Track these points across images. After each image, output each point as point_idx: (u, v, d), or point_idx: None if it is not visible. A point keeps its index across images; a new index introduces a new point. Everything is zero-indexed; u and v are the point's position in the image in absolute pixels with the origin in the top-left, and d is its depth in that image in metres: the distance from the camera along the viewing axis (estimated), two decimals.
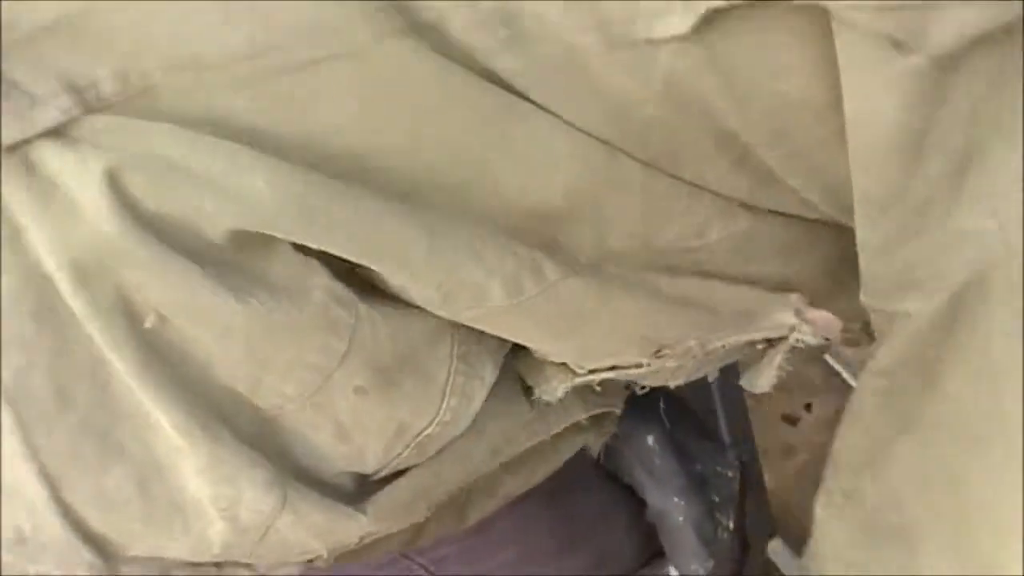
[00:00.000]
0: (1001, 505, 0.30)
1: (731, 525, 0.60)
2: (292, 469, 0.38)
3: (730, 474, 0.60)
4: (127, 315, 0.32)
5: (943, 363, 0.32)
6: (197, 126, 0.31)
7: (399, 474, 0.43)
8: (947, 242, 0.31)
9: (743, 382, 0.48)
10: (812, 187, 0.36)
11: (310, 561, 0.43)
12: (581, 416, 0.51)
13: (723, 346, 0.44)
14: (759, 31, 0.31)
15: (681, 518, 0.58)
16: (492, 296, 0.36)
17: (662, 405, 0.58)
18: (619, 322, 0.40)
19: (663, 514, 0.58)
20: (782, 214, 0.39)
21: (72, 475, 0.34)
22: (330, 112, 0.32)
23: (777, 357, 0.45)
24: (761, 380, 0.46)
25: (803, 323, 0.43)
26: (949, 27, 0.27)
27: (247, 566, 0.42)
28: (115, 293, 0.32)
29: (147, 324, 0.32)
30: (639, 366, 0.43)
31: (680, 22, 0.30)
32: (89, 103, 0.30)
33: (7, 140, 0.29)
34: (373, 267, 0.34)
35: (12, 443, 0.33)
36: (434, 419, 0.41)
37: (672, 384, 0.47)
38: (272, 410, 0.36)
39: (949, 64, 0.28)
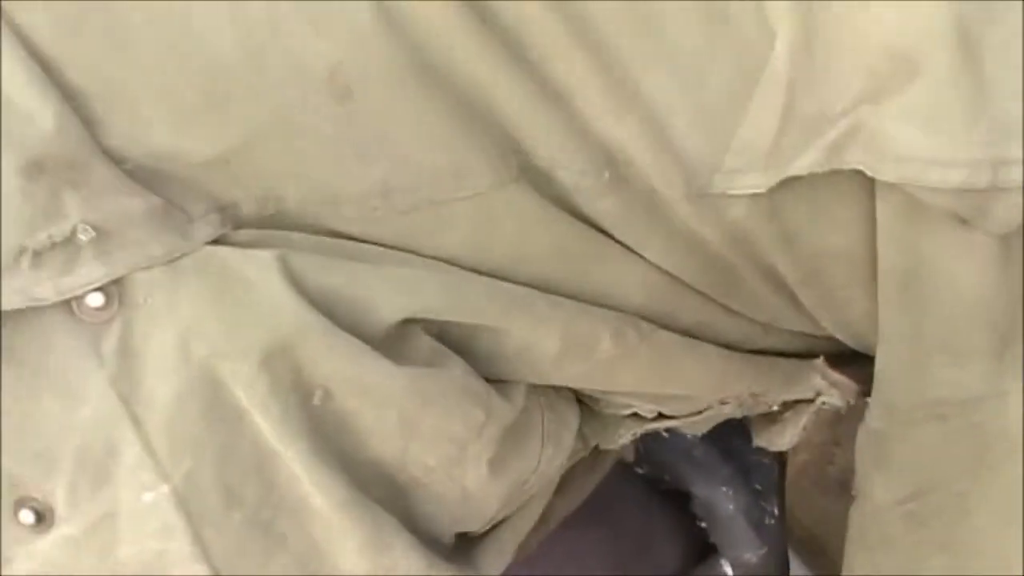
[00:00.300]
0: None
1: (775, 512, 0.61)
2: (419, 533, 0.39)
3: (767, 461, 0.62)
4: (300, 395, 0.33)
5: (972, 497, 0.38)
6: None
7: (495, 526, 0.44)
8: (980, 392, 0.37)
9: (760, 442, 0.53)
10: (831, 319, 0.41)
11: None
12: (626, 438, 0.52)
13: (768, 402, 0.47)
14: (816, 189, 0.35)
15: (731, 506, 0.59)
16: (602, 346, 0.39)
17: None
18: (701, 371, 0.43)
19: (711, 505, 0.59)
20: (802, 333, 0.44)
21: (240, 572, 0.34)
22: (445, 243, 0.36)
23: (803, 419, 0.48)
24: (784, 439, 0.50)
25: (830, 386, 0.46)
26: (1010, 210, 0.32)
27: None
28: (292, 373, 0.33)
29: (316, 401, 0.34)
30: (699, 412, 0.47)
31: (761, 181, 0.34)
32: (232, 220, 0.33)
33: (176, 252, 0.32)
34: (509, 327, 0.37)
35: (183, 545, 0.33)
36: (534, 472, 0.43)
37: (703, 431, 0.51)
38: (409, 482, 0.38)
39: (1008, 241, 0.33)
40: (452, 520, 0.40)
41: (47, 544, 0.32)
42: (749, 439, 0.63)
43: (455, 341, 0.37)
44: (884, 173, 0.32)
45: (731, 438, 0.61)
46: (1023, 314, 0.35)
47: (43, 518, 0.31)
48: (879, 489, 0.41)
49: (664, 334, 0.40)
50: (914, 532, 0.40)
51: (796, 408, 0.48)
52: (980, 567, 0.38)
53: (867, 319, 0.39)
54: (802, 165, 0.33)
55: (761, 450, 0.63)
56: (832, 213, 0.36)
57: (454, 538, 0.42)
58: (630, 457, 0.59)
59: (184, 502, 0.32)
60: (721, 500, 0.59)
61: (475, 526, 0.42)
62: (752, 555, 0.59)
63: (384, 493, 0.37)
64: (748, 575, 0.60)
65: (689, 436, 0.59)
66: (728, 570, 0.59)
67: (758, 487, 0.61)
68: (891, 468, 0.40)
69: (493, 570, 0.43)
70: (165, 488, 0.32)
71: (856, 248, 0.37)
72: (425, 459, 0.37)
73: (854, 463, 0.44)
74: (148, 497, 0.32)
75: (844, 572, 0.44)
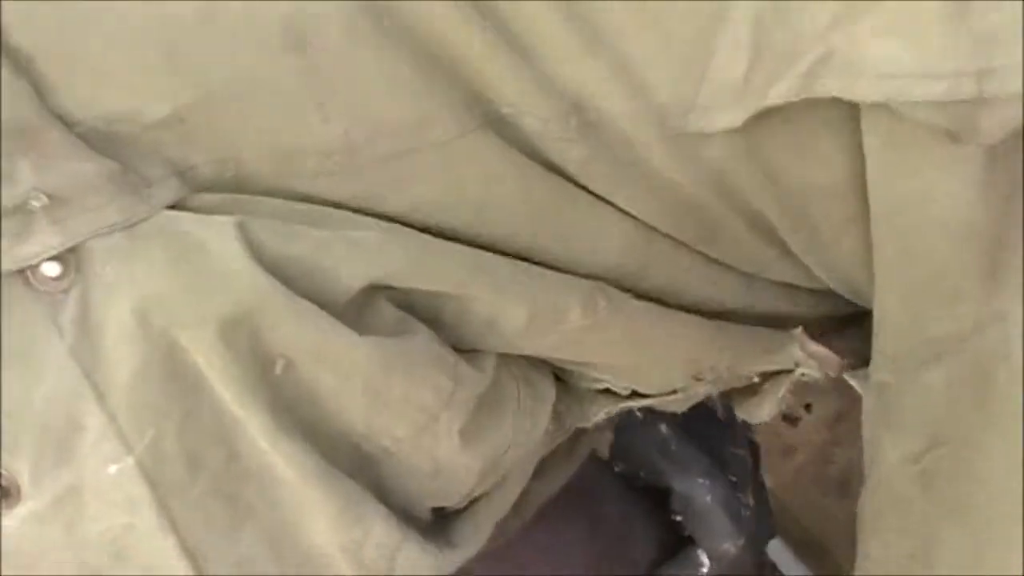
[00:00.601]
0: None
1: (751, 503, 0.62)
2: (392, 506, 0.38)
3: (742, 453, 0.63)
4: (260, 364, 0.33)
5: (977, 445, 0.35)
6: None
7: (473, 501, 0.44)
8: (977, 321, 0.35)
9: (739, 414, 0.52)
10: (823, 264, 0.40)
11: None
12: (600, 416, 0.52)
13: (746, 374, 0.47)
14: (794, 122, 0.34)
15: (708, 498, 0.60)
16: (571, 316, 0.38)
17: None
18: (672, 341, 0.43)
19: (689, 499, 0.60)
20: (788, 285, 0.43)
21: (209, 544, 0.34)
22: (410, 196, 0.35)
23: (781, 390, 0.48)
24: (763, 411, 0.49)
25: (808, 357, 0.45)
26: (997, 121, 0.31)
27: None
28: (251, 342, 0.33)
29: (277, 370, 0.33)
30: (674, 392, 0.46)
31: (734, 117, 0.33)
32: (191, 184, 0.32)
33: (134, 218, 0.31)
34: (475, 295, 0.37)
35: (150, 517, 0.32)
36: (510, 445, 0.42)
37: (680, 410, 0.51)
38: (378, 453, 0.37)
39: (993, 154, 0.32)
40: (426, 493, 0.40)
41: (13, 520, 0.31)
42: (724, 432, 0.64)
43: (421, 310, 0.37)
44: (864, 93, 0.31)
45: (706, 431, 0.62)
46: (1014, 230, 0.34)
47: (8, 494, 0.31)
48: (889, 449, 0.39)
49: (637, 304, 0.40)
50: (925, 495, 0.38)
51: (775, 379, 0.48)
52: (996, 532, 0.36)
53: (859, 261, 0.38)
54: (775, 95, 0.32)
55: (736, 442, 0.64)
56: (815, 148, 0.35)
57: (431, 513, 0.41)
58: (605, 453, 0.60)
59: (149, 473, 0.32)
60: (699, 493, 0.60)
61: (451, 501, 0.42)
62: (731, 545, 0.60)
63: (354, 464, 0.36)
64: (724, 566, 0.61)
65: (664, 431, 0.60)
66: (705, 560, 0.60)
67: (734, 479, 0.62)
68: (900, 424, 0.39)
69: (469, 547, 0.43)
70: (130, 459, 0.31)
71: (843, 184, 0.36)
72: (393, 429, 0.37)
73: (854, 463, 0.43)
74: (113, 469, 0.31)
75: (858, 559, 0.42)
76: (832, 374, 0.46)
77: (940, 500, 0.37)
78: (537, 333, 0.39)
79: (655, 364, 0.44)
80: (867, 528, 0.42)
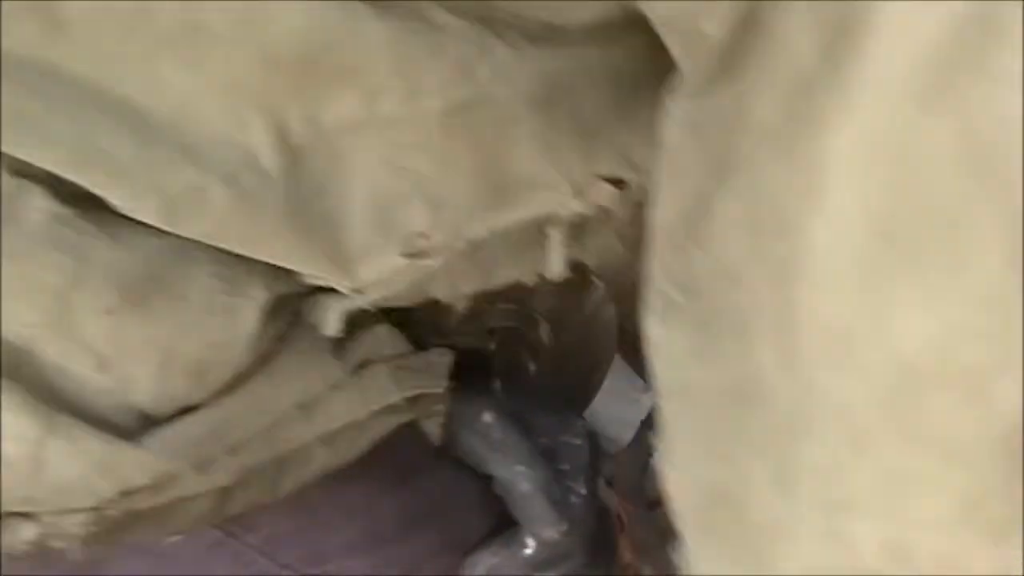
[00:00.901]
0: (818, 245, 0.26)
1: (583, 491, 0.62)
2: (56, 401, 0.37)
3: (578, 442, 0.64)
4: None
5: (748, 82, 0.28)
6: None
7: (188, 411, 0.42)
8: None
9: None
10: None
11: (97, 510, 0.41)
12: (397, 397, 0.53)
13: (486, 233, 0.42)
14: None
15: (528, 485, 0.61)
16: (213, 197, 0.35)
17: (498, 384, 0.63)
18: (350, 206, 0.39)
19: (509, 484, 0.62)
20: (544, 40, 0.38)
21: None
22: None
23: (558, 236, 0.44)
24: (550, 265, 0.45)
25: (572, 197, 0.41)
26: None
27: (30, 516, 0.40)
28: None
29: None
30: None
31: None
32: None
33: None
34: (86, 183, 0.34)
35: None
36: (198, 341, 0.40)
37: (459, 304, 0.47)
38: (21, 341, 0.36)
39: None
40: (96, 387, 0.38)
41: None
42: (557, 421, 0.65)
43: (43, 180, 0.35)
44: None
45: (536, 420, 0.64)
46: None
47: None
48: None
49: (298, 169, 0.36)
50: (696, 145, 0.31)
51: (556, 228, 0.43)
52: (768, 186, 0.28)
53: None
54: None
55: (572, 432, 0.65)
56: None
57: (140, 417, 0.40)
58: (437, 440, 0.63)
59: None
60: (517, 480, 0.61)
61: (138, 398, 0.40)
62: (553, 531, 0.61)
63: (5, 358, 0.36)
64: (550, 551, 0.62)
65: (488, 419, 0.62)
66: (531, 542, 0.62)
67: (565, 467, 0.62)
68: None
69: (161, 453, 0.41)
70: None
71: None
72: (23, 315, 0.36)
73: None
74: None
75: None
76: (611, 206, 0.42)
77: (710, 150, 0.30)
78: (181, 222, 0.36)
79: (340, 238, 0.40)
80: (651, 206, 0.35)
